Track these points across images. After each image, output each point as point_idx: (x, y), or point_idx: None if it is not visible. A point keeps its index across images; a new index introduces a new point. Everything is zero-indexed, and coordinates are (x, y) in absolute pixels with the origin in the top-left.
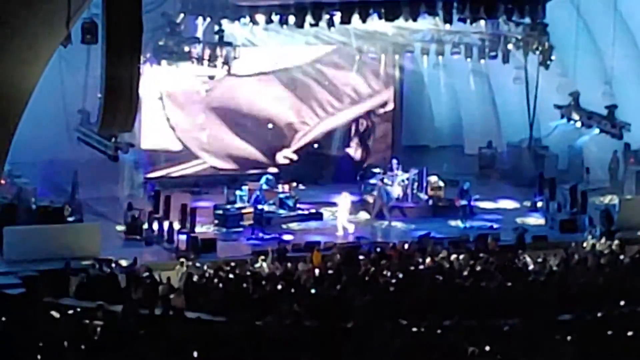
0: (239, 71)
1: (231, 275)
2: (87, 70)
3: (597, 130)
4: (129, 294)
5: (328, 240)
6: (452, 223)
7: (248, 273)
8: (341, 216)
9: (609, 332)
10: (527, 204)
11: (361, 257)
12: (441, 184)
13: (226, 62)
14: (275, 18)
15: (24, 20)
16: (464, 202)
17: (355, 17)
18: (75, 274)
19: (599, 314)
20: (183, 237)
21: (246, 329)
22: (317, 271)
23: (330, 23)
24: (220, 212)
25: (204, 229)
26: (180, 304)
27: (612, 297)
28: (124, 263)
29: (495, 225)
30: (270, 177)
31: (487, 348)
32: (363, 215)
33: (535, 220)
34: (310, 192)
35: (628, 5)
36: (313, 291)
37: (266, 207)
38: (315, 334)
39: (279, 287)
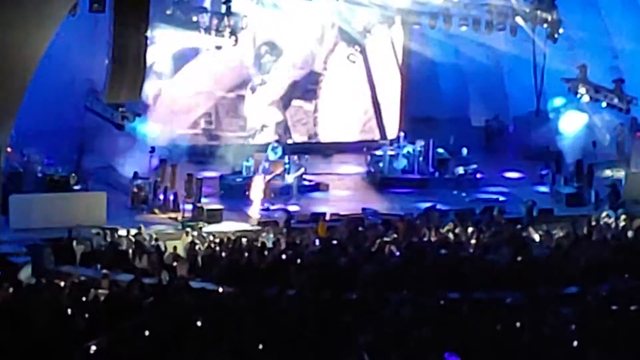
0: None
1: (236, 246)
2: (95, 39)
3: (604, 104)
4: (134, 263)
5: (333, 212)
6: (456, 194)
7: (253, 243)
8: (255, 197)
9: (614, 307)
10: (533, 177)
11: (366, 228)
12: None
13: (233, 33)
14: None
15: None
16: (461, 170)
17: None
18: (80, 242)
19: (604, 288)
20: (189, 206)
21: (251, 299)
22: (322, 242)
23: None
24: (227, 182)
25: (210, 199)
26: (185, 273)
27: (618, 271)
28: (129, 232)
29: (501, 198)
30: (277, 147)
31: (492, 321)
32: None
33: (541, 193)
34: (317, 163)
35: None
36: (318, 262)
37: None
38: (320, 305)
39: (284, 257)
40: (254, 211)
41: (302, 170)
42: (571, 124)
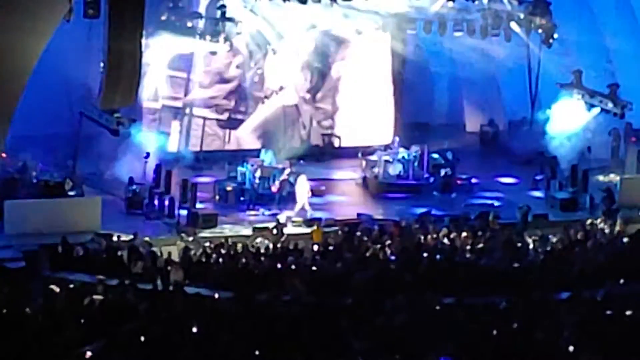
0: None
1: (231, 251)
2: (89, 44)
3: (598, 109)
4: (129, 269)
5: (329, 217)
6: (453, 200)
7: (248, 249)
8: (300, 199)
9: (608, 312)
10: (528, 182)
11: (362, 234)
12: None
13: (228, 38)
14: None
15: None
16: (443, 172)
17: None
18: (75, 248)
19: (599, 293)
20: (184, 212)
21: (246, 304)
22: (317, 248)
23: None
24: (222, 187)
25: (205, 204)
26: (180, 278)
27: (612, 276)
28: (124, 237)
29: (496, 203)
30: (270, 152)
31: (487, 326)
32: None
33: (536, 198)
34: (311, 169)
35: None
36: (313, 268)
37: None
38: (315, 310)
39: (279, 263)
40: (309, 211)
41: (288, 171)
42: (566, 129)
